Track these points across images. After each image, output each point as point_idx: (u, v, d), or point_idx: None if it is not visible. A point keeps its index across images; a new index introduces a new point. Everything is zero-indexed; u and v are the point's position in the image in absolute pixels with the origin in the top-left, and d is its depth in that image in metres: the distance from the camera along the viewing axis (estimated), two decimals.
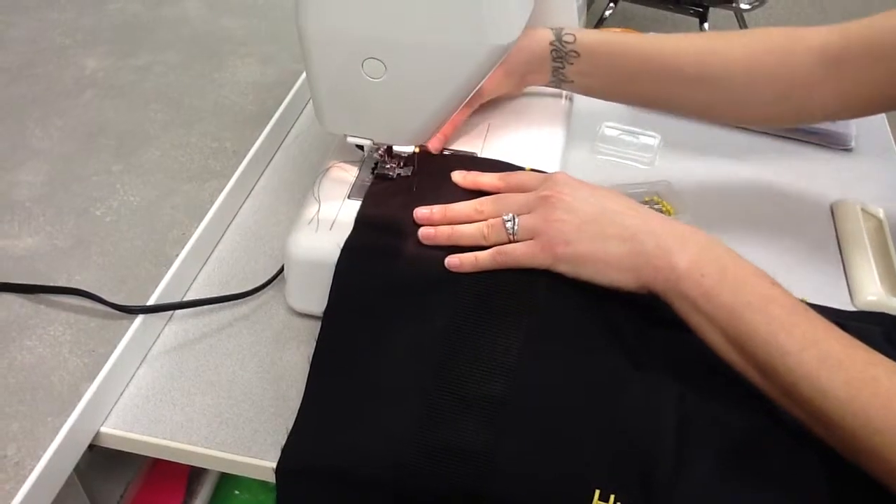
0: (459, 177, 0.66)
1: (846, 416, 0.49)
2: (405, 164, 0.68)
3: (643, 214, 0.59)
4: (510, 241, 0.60)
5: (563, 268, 0.58)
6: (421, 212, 0.62)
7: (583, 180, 0.62)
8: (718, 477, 0.52)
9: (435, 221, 0.62)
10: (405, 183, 0.67)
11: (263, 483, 0.83)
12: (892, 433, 0.48)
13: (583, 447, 0.53)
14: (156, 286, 0.65)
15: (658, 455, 0.53)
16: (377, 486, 0.53)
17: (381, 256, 0.61)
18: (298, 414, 0.56)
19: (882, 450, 0.48)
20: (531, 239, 0.59)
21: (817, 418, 0.51)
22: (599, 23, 2.39)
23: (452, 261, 0.60)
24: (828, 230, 0.79)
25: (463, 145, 0.72)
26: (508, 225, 0.59)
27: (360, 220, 0.63)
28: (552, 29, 0.74)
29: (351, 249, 0.61)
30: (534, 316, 0.58)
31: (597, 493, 0.51)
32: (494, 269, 0.60)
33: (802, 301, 0.56)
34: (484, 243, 0.60)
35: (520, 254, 0.59)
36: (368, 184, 0.67)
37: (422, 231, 0.62)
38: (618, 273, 0.57)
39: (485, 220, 0.61)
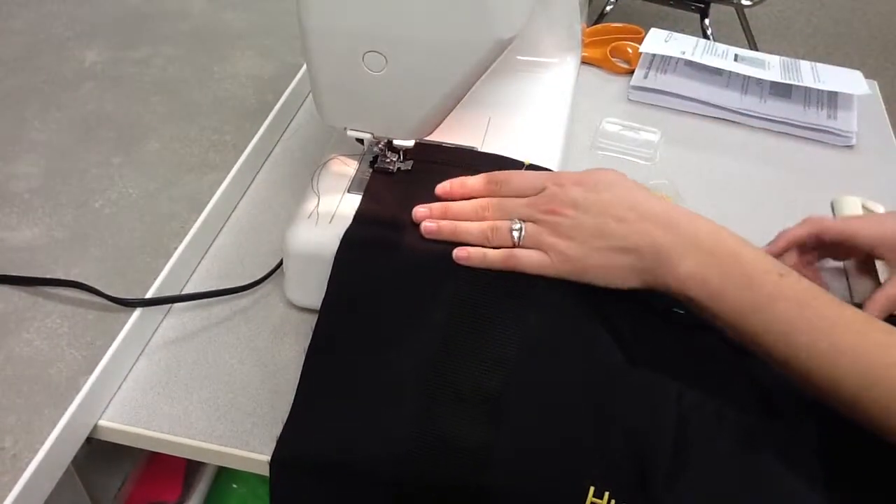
0: (442, 191, 0.64)
1: (865, 403, 0.49)
2: (405, 159, 0.68)
3: (644, 215, 0.58)
4: (513, 246, 0.60)
5: (570, 278, 0.59)
6: (420, 211, 0.62)
7: (583, 174, 0.62)
8: (716, 476, 0.52)
9: (434, 218, 0.62)
10: (405, 177, 0.67)
11: (261, 477, 0.82)
12: None
13: (579, 444, 0.53)
14: (154, 279, 0.65)
15: (656, 453, 0.53)
16: (373, 479, 0.53)
17: (380, 250, 0.61)
18: (293, 406, 0.56)
19: None
20: (536, 248, 0.59)
21: (837, 405, 0.51)
22: (600, 18, 2.38)
23: (460, 253, 0.60)
24: None
25: (463, 140, 0.72)
26: (515, 234, 0.60)
27: (360, 214, 0.63)
28: None
29: (350, 243, 0.61)
30: (531, 311, 0.58)
31: (591, 489, 0.51)
32: (501, 269, 0.60)
33: None
34: (487, 245, 0.60)
35: (530, 262, 0.59)
36: (368, 178, 0.67)
37: (424, 225, 0.61)
38: (623, 280, 0.58)
39: (486, 221, 0.61)
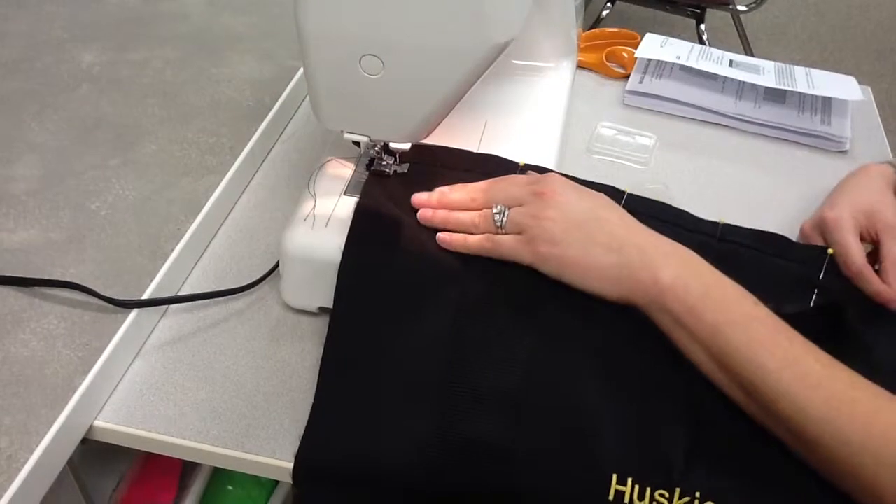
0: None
1: (825, 435, 0.49)
2: (401, 161, 0.68)
3: (632, 226, 0.59)
4: (499, 233, 0.60)
5: (546, 268, 0.59)
6: (419, 197, 0.64)
7: (577, 184, 0.63)
8: (731, 455, 0.54)
9: (432, 206, 0.64)
10: (402, 179, 0.67)
11: (256, 478, 0.83)
12: (872, 454, 0.48)
13: (598, 434, 0.54)
14: (151, 280, 0.65)
15: (672, 437, 0.54)
16: (396, 483, 0.53)
17: (385, 254, 0.61)
18: (312, 413, 0.56)
19: (861, 471, 0.49)
20: (519, 233, 0.59)
21: (797, 437, 0.51)
22: (596, 23, 2.39)
23: (443, 236, 0.62)
24: None
25: (460, 143, 0.72)
26: (497, 217, 0.60)
27: (360, 218, 0.63)
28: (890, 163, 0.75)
29: (353, 247, 0.61)
30: (543, 309, 0.59)
31: (614, 477, 0.52)
32: (481, 255, 0.61)
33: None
34: (475, 231, 0.61)
35: (504, 246, 0.60)
36: (364, 180, 0.67)
37: (421, 212, 0.63)
38: (599, 282, 0.57)
39: (478, 208, 0.62)
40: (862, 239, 0.68)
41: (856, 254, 0.65)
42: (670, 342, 0.57)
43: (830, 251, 0.66)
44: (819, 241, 0.70)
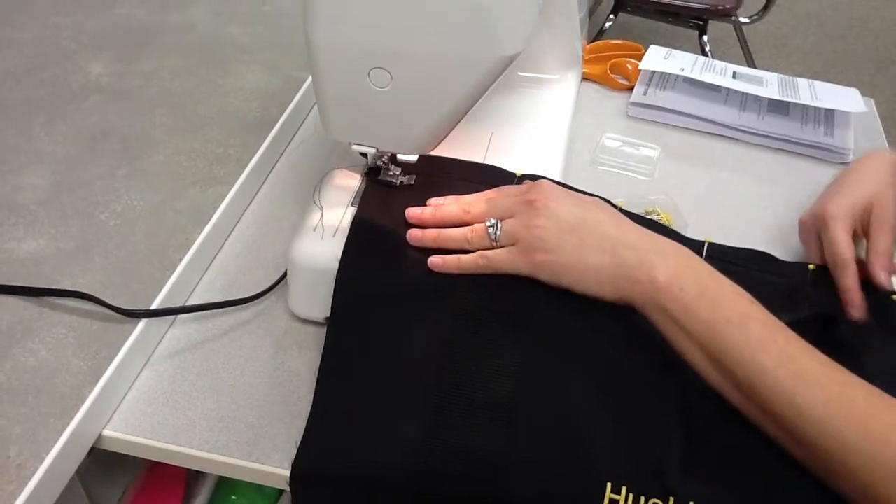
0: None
1: (821, 435, 0.49)
2: (407, 172, 0.69)
3: (625, 226, 0.59)
4: (493, 247, 0.60)
5: (542, 275, 0.59)
6: (413, 211, 0.64)
7: (568, 189, 0.63)
8: (725, 460, 0.54)
9: (426, 220, 0.63)
10: (406, 190, 0.68)
11: (260, 489, 0.83)
12: (867, 455, 0.48)
13: (592, 442, 0.54)
14: (159, 290, 0.65)
15: (666, 444, 0.54)
16: (391, 489, 0.54)
17: (381, 263, 0.62)
18: (309, 419, 0.57)
19: (857, 471, 0.49)
20: (513, 245, 0.60)
21: (793, 437, 0.51)
22: (599, 34, 2.40)
23: (436, 260, 0.61)
24: None
25: (465, 154, 0.73)
26: (490, 231, 0.60)
27: (357, 227, 0.64)
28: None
29: (350, 256, 0.62)
30: (536, 316, 0.59)
31: (608, 486, 0.52)
32: (477, 272, 0.60)
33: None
34: (468, 248, 0.61)
35: (500, 260, 0.60)
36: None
37: (410, 232, 0.63)
38: (597, 284, 0.57)
39: (472, 221, 0.62)
40: (855, 234, 0.69)
41: (842, 248, 0.66)
42: (665, 349, 0.57)
43: (811, 266, 0.67)
44: (814, 234, 0.71)
